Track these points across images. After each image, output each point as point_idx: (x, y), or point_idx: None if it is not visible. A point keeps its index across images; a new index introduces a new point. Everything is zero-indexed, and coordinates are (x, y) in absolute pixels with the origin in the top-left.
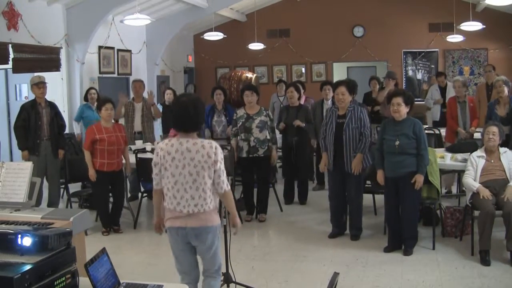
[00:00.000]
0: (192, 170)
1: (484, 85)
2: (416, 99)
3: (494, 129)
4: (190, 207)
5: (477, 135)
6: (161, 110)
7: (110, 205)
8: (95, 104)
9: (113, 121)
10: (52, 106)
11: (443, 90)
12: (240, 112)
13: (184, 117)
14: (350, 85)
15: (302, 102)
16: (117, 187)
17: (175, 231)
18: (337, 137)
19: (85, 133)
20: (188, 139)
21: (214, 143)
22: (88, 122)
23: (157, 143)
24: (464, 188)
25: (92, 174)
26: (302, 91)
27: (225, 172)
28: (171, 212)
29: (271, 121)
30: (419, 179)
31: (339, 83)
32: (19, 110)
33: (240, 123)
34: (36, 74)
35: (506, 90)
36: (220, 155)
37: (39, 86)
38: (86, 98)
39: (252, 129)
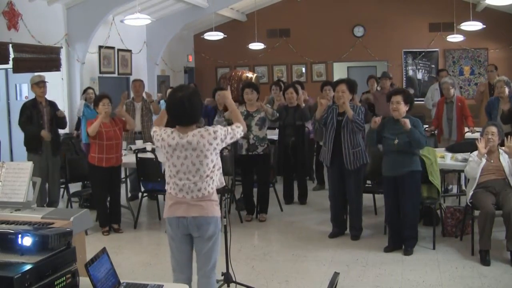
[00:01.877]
0: (194, 160)
1: (486, 84)
2: (416, 99)
3: (493, 129)
4: (193, 192)
5: (476, 135)
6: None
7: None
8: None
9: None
10: (52, 105)
11: None
12: (241, 109)
13: (180, 112)
14: (350, 83)
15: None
16: (114, 183)
17: (176, 222)
18: (336, 134)
19: (86, 125)
20: (187, 132)
21: (211, 128)
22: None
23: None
24: (464, 188)
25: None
26: (300, 92)
27: (228, 129)
28: (174, 198)
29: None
30: (406, 121)
31: (339, 81)
32: (22, 108)
33: None
34: (36, 73)
35: (507, 90)
36: (220, 131)
37: (39, 85)
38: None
39: (252, 126)
